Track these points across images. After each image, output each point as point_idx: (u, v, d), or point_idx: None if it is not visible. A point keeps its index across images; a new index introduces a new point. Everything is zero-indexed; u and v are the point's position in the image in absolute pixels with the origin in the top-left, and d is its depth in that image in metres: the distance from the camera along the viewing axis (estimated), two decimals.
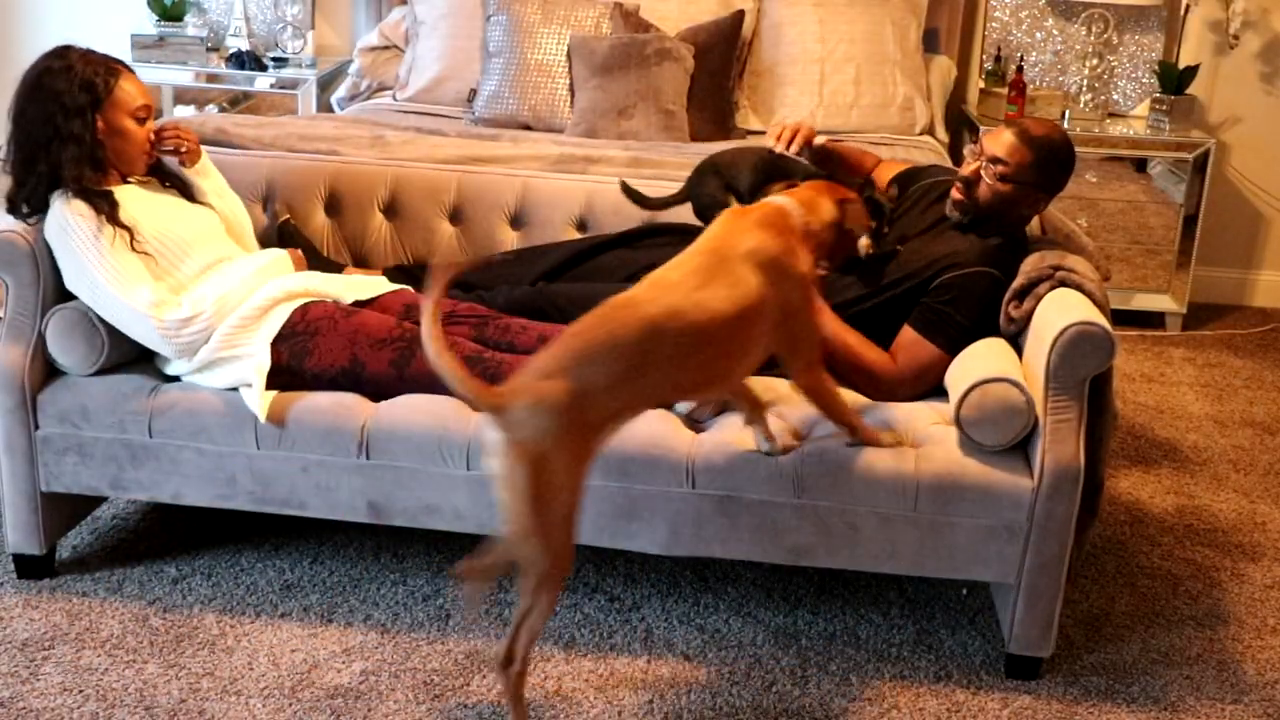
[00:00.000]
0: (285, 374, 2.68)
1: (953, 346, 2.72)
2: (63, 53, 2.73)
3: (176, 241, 2.77)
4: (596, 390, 2.15)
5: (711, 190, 3.00)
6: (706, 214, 3.02)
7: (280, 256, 2.91)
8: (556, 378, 2.13)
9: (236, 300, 2.72)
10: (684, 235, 3.13)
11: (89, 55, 2.74)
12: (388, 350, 2.68)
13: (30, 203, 2.72)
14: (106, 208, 2.68)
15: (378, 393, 2.70)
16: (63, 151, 2.67)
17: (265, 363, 2.65)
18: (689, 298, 2.26)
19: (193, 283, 2.76)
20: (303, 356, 2.68)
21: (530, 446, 2.10)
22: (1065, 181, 2.84)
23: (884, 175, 3.19)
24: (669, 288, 2.29)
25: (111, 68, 2.74)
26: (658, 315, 2.22)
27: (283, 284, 2.77)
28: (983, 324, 2.74)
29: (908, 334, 2.75)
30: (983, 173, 2.78)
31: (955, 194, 2.83)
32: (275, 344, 2.68)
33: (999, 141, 2.78)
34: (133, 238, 2.69)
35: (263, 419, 2.62)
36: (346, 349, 2.68)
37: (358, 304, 2.80)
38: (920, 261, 2.79)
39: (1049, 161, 2.77)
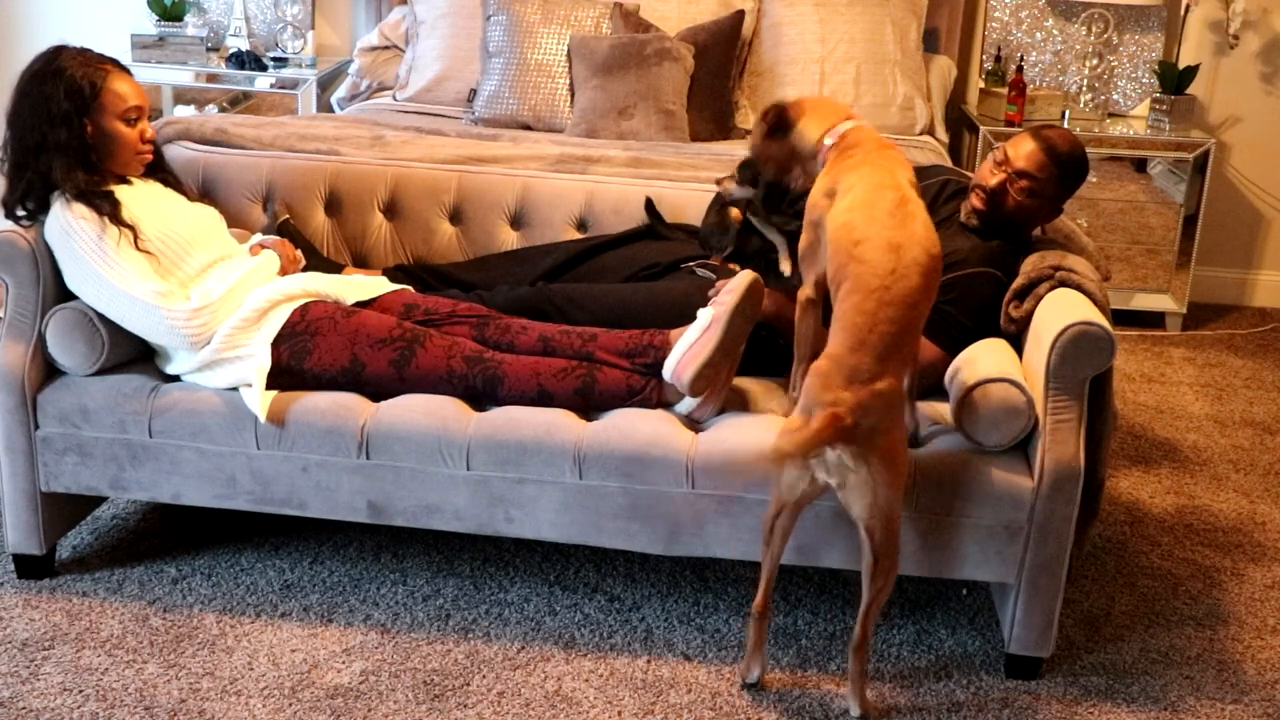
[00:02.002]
0: (286, 374, 2.68)
1: (953, 346, 2.72)
2: (54, 55, 2.71)
3: (178, 240, 2.76)
4: (908, 365, 2.41)
5: (712, 221, 3.03)
6: (706, 243, 3.04)
7: (269, 258, 2.89)
8: (884, 377, 2.28)
9: (243, 295, 2.72)
10: (686, 235, 3.14)
11: (80, 56, 2.71)
12: (388, 350, 2.68)
13: (25, 206, 2.71)
14: (108, 208, 2.68)
15: (378, 393, 2.70)
16: (51, 159, 2.66)
17: (265, 363, 2.65)
18: (919, 234, 2.38)
19: (195, 280, 2.76)
20: (303, 356, 2.68)
21: (884, 444, 2.30)
22: (1078, 188, 2.88)
23: None
24: (903, 240, 2.35)
25: (101, 69, 2.71)
26: (925, 261, 2.35)
27: (283, 285, 2.77)
28: (983, 324, 2.74)
29: None
30: (1009, 187, 2.79)
31: (977, 203, 2.83)
32: (275, 344, 2.68)
33: (1026, 155, 2.78)
34: (136, 237, 2.68)
35: (263, 419, 2.62)
36: (346, 349, 2.68)
37: (359, 304, 2.80)
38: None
39: (1071, 176, 2.82)
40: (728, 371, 2.63)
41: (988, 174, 2.82)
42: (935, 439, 2.60)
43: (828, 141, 2.53)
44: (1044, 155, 2.77)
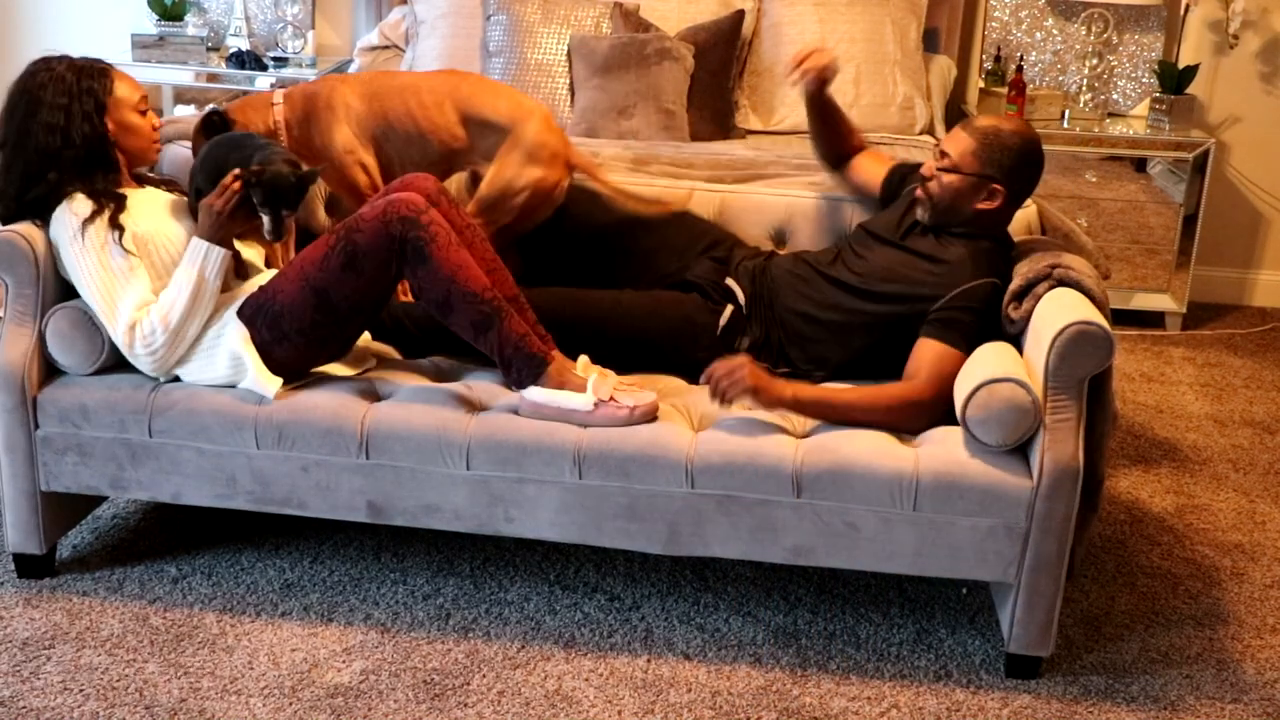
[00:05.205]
0: (275, 346, 2.65)
1: (968, 346, 2.69)
2: (49, 65, 2.72)
3: (180, 242, 2.76)
4: None
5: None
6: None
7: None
8: None
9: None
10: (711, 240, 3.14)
11: (75, 64, 2.73)
12: (334, 257, 2.62)
13: (32, 207, 2.71)
14: (112, 208, 2.68)
15: (356, 305, 2.65)
16: (77, 159, 2.67)
17: (243, 329, 2.64)
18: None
19: None
20: (272, 316, 2.64)
21: None
22: (1024, 174, 2.79)
23: (872, 161, 3.15)
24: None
25: (102, 70, 2.74)
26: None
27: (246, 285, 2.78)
28: (985, 330, 2.73)
29: (928, 348, 2.68)
30: (935, 167, 2.80)
31: (919, 192, 2.84)
32: (248, 323, 2.65)
33: (949, 137, 2.83)
34: (137, 239, 2.68)
35: (271, 397, 2.61)
36: (298, 279, 2.64)
37: None
38: (914, 278, 2.77)
39: (993, 148, 2.75)
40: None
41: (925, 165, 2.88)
42: (935, 439, 2.60)
43: (277, 101, 2.98)
44: (961, 130, 2.81)
